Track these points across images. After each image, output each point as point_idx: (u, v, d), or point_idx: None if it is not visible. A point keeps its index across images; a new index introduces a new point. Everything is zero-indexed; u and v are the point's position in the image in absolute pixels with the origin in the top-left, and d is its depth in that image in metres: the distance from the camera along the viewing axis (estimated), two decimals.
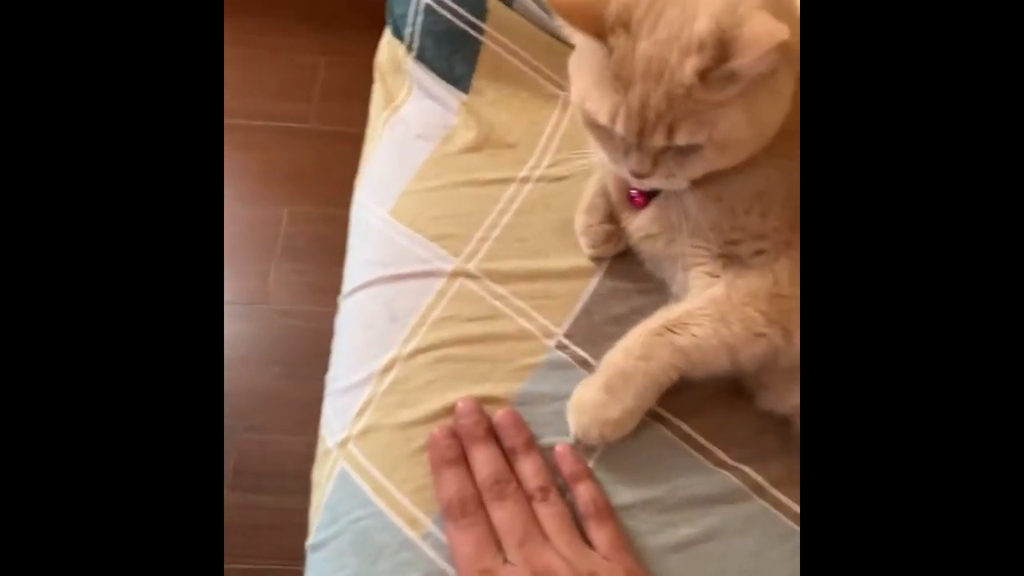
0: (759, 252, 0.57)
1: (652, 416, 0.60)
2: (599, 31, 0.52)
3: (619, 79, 0.52)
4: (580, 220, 0.67)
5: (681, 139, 0.52)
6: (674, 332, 0.57)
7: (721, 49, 0.49)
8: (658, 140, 0.53)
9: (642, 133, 0.53)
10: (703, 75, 0.50)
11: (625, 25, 0.52)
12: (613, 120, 0.54)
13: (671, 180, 0.56)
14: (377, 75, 0.84)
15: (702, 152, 0.53)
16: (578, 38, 0.56)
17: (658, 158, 0.55)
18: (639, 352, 0.57)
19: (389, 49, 0.83)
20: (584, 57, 0.56)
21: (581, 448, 0.58)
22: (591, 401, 0.57)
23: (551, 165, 0.73)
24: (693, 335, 0.56)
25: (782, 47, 0.49)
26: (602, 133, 0.57)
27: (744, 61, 0.49)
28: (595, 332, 0.63)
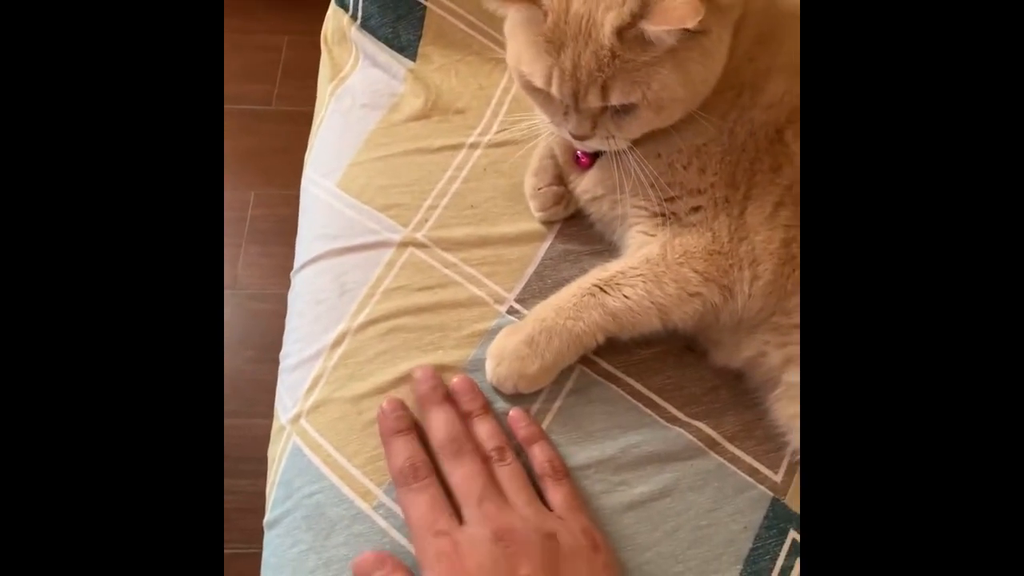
0: (696, 209, 0.57)
1: (604, 375, 0.59)
2: None
3: (551, 42, 0.52)
4: (529, 183, 0.66)
5: (615, 99, 0.52)
6: (605, 292, 0.57)
7: (642, 5, 0.49)
8: (593, 101, 0.53)
9: (577, 95, 0.53)
10: (620, 33, 0.50)
11: None
12: (548, 82, 0.54)
13: (611, 141, 0.56)
14: (323, 47, 0.82)
15: (638, 112, 0.53)
16: (511, 11, 0.55)
17: (596, 119, 0.55)
18: (568, 312, 0.57)
19: (334, 19, 0.82)
20: (518, 21, 0.55)
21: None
22: (511, 352, 0.57)
23: (500, 130, 0.72)
24: (625, 296, 0.56)
25: (713, 8, 0.49)
26: (540, 96, 0.56)
27: (653, 28, 0.49)
28: (547, 296, 0.62)
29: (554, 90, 0.53)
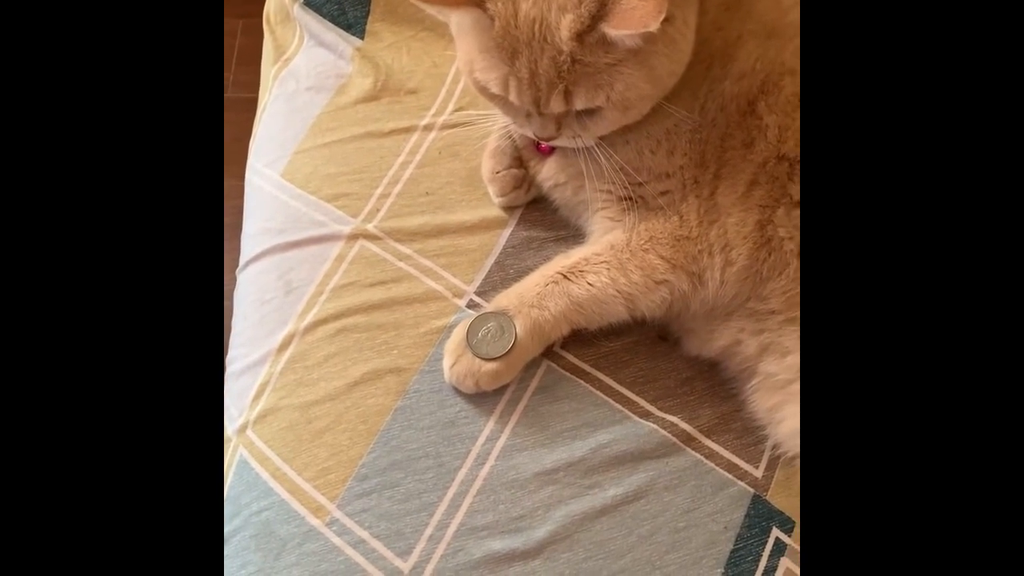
0: (664, 192, 0.53)
1: (572, 370, 0.55)
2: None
3: (503, 49, 0.47)
4: (486, 166, 0.62)
5: (579, 104, 0.48)
6: (569, 280, 0.53)
7: (600, 5, 0.44)
8: (556, 107, 0.48)
9: (538, 101, 0.48)
10: (580, 37, 0.45)
11: None
12: (505, 90, 0.49)
13: (578, 140, 0.52)
14: (266, 28, 0.77)
15: (604, 113, 0.49)
16: (453, 17, 0.51)
17: (561, 121, 0.51)
18: (531, 300, 0.53)
19: None
20: (464, 26, 0.50)
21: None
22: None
23: (456, 110, 0.67)
24: (589, 284, 0.52)
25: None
26: (499, 100, 0.52)
27: (614, 32, 0.45)
28: (509, 287, 0.58)
29: (512, 98, 0.49)
